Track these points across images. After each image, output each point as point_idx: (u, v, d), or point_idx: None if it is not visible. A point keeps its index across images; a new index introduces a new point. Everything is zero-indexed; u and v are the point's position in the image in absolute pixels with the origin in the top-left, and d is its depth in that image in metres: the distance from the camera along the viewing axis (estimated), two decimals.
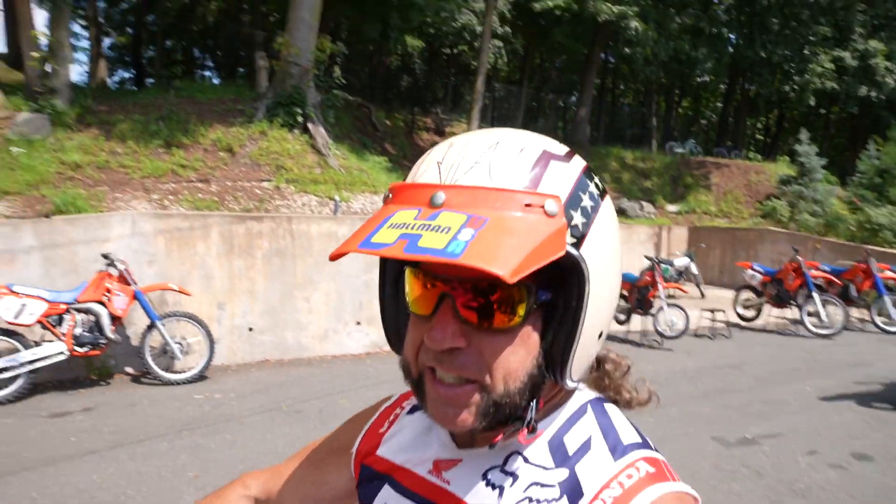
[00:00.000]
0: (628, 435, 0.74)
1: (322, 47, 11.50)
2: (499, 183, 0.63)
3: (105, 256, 6.38)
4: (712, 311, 9.81)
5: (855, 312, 11.06)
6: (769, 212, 17.77)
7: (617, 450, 0.72)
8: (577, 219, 0.66)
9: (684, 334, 9.03)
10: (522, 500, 0.70)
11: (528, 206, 0.63)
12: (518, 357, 0.68)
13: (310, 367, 7.57)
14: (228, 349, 7.41)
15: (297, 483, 0.97)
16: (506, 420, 0.70)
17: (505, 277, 0.54)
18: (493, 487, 0.73)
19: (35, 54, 9.93)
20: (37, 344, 6.05)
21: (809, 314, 10.13)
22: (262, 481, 1.00)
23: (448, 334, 0.66)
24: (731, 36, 23.29)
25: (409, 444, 0.86)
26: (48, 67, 10.08)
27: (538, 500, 0.70)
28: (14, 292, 5.86)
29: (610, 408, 0.78)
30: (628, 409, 0.83)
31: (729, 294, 12.32)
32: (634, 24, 18.78)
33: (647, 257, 9.86)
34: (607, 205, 0.71)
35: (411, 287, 0.72)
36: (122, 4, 26.46)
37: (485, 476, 0.75)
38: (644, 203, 17.20)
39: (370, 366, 7.68)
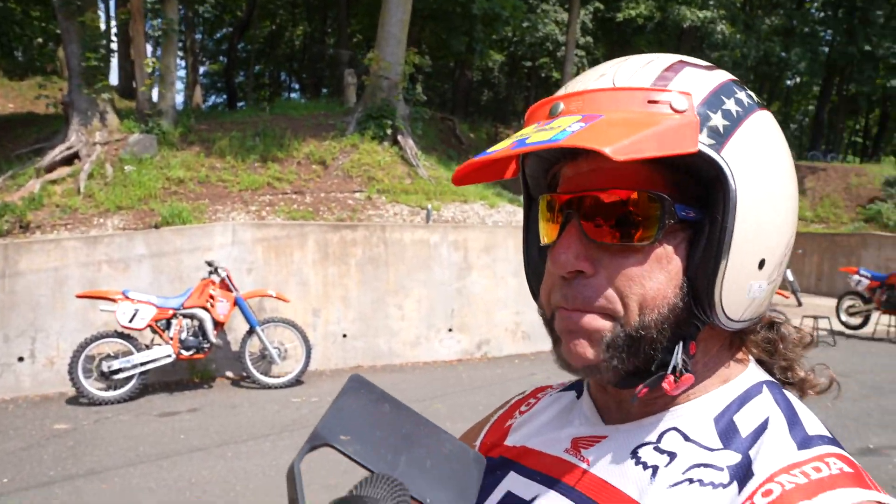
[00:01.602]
0: (816, 427, 0.62)
1: (410, 61, 11.76)
2: (621, 85, 0.60)
3: (209, 264, 6.69)
4: (814, 317, 9.27)
5: None
6: (873, 215, 16.72)
7: (802, 439, 0.60)
8: (717, 120, 0.59)
9: None
10: (681, 482, 0.60)
11: (651, 102, 0.58)
12: (656, 283, 0.60)
13: (402, 373, 7.66)
14: (323, 355, 7.60)
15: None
16: (647, 365, 0.62)
17: (608, 153, 0.49)
18: (645, 467, 0.63)
19: (147, 80, 10.63)
20: (147, 347, 6.40)
21: None
22: None
23: (571, 255, 0.60)
24: (827, 33, 22.17)
25: (545, 425, 0.78)
26: (156, 92, 10.78)
27: (700, 481, 0.59)
28: (129, 298, 6.24)
29: (790, 395, 0.67)
30: (801, 394, 0.71)
31: (828, 302, 11.65)
32: (721, 27, 18.20)
33: None
34: (765, 116, 0.63)
35: (542, 216, 0.68)
36: (216, 34, 28.01)
37: (634, 454, 0.65)
38: None
39: (462, 372, 7.68)
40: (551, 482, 0.70)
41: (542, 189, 0.70)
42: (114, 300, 6.19)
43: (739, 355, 0.69)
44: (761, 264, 0.62)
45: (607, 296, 0.60)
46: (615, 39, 22.35)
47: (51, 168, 9.18)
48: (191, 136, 10.39)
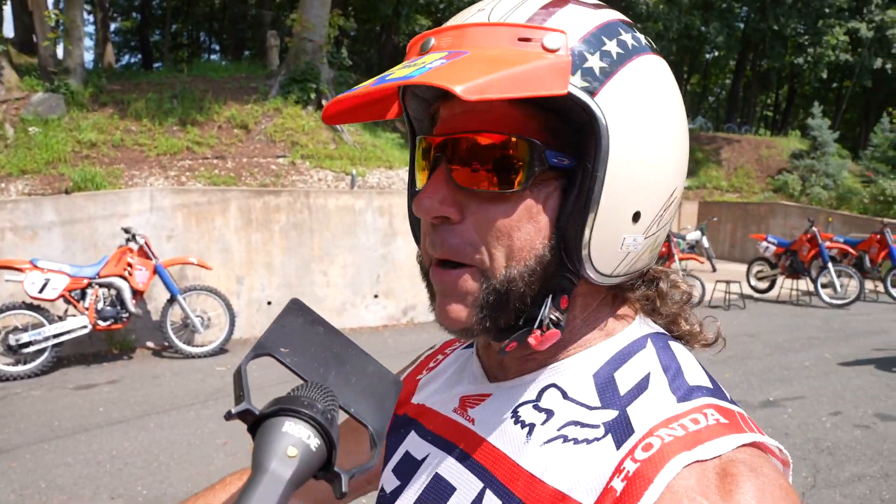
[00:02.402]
0: (697, 377, 0.61)
1: (335, 23, 11.46)
2: (495, 20, 0.55)
3: (126, 231, 6.42)
4: (726, 282, 9.81)
5: (869, 284, 11.05)
6: (780, 186, 17.71)
7: (681, 391, 0.59)
8: (594, 62, 0.54)
9: (699, 305, 9.06)
10: (555, 438, 0.60)
11: (523, 39, 0.54)
12: (524, 234, 0.57)
13: None
14: (247, 322, 7.46)
15: None
16: (517, 317, 0.60)
17: (458, 92, 0.45)
18: (523, 426, 0.62)
19: (50, 35, 9.93)
20: (60, 318, 6.11)
21: (824, 285, 10.12)
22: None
23: (436, 200, 0.57)
24: (743, 10, 23.04)
25: (443, 383, 0.77)
26: (61, 47, 10.09)
27: (574, 439, 0.58)
28: (38, 267, 5.91)
29: (676, 346, 0.66)
30: (689, 347, 0.69)
31: (741, 268, 12.32)
32: None
33: None
34: (652, 61, 0.59)
35: (417, 159, 0.64)
36: None
37: (515, 412, 0.64)
38: None
39: (388, 338, 7.72)
40: (440, 442, 0.70)
41: (424, 130, 0.66)
42: (21, 269, 5.85)
43: (624, 310, 0.67)
44: (636, 217, 0.59)
45: (473, 244, 0.58)
46: None
47: None
48: (103, 97, 9.82)
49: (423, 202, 0.57)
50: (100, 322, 6.22)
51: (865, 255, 10.72)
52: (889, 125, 17.90)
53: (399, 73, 0.52)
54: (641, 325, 0.67)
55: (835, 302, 9.88)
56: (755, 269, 11.33)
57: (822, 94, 30.13)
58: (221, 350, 6.79)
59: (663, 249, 8.06)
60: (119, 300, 6.30)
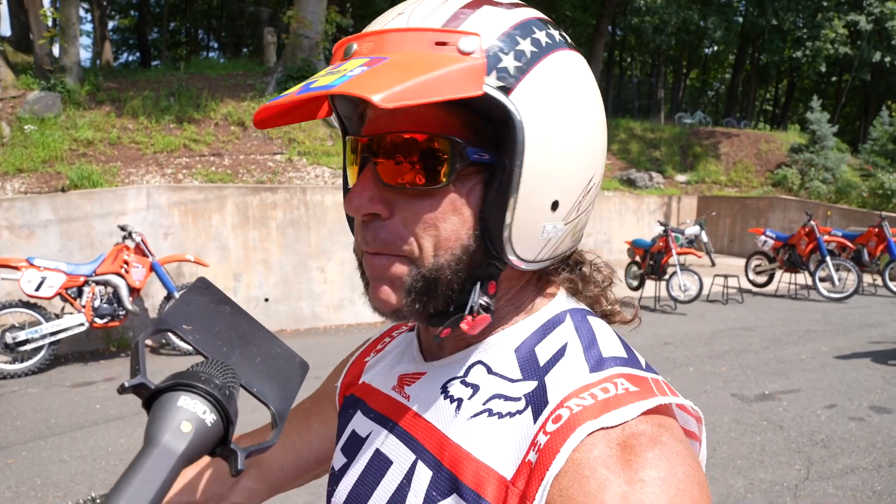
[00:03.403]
0: (612, 349, 0.64)
1: (332, 19, 11.44)
2: (413, 25, 0.57)
3: (122, 228, 6.42)
4: (725, 276, 9.81)
5: (868, 277, 11.04)
6: (779, 180, 17.66)
7: (594, 360, 0.62)
8: (508, 62, 0.57)
9: (697, 299, 9.08)
10: (481, 412, 0.63)
11: (439, 44, 0.56)
12: (450, 225, 0.60)
13: (325, 336, 7.64)
14: None
15: (284, 435, 0.94)
16: (448, 305, 0.63)
17: (376, 102, 0.47)
18: (452, 400, 0.66)
19: (46, 33, 9.92)
20: (57, 316, 6.12)
21: (822, 279, 10.11)
22: (256, 438, 0.95)
23: (365, 198, 0.60)
24: (742, 4, 22.99)
25: (386, 364, 0.81)
26: (57, 46, 10.08)
27: (499, 413, 0.62)
28: (34, 265, 5.92)
29: (595, 320, 0.69)
30: (609, 323, 0.73)
31: (740, 262, 12.31)
32: None
33: (659, 222, 9.86)
34: (565, 57, 0.61)
35: (347, 158, 0.67)
36: None
37: (445, 388, 0.67)
38: (653, 174, 17.11)
39: None
40: (381, 419, 0.74)
41: (354, 129, 0.68)
42: (17, 268, 5.87)
43: (548, 290, 0.70)
44: (554, 206, 0.61)
45: (402, 238, 0.60)
46: (539, 3, 22.48)
47: None
48: (99, 95, 9.82)
49: (352, 201, 0.60)
50: (97, 320, 6.23)
51: (864, 248, 10.70)
52: (888, 119, 17.86)
53: (322, 82, 0.53)
54: (563, 303, 0.70)
55: (833, 295, 9.88)
56: (753, 263, 11.33)
57: (822, 88, 30.07)
58: None
59: (661, 243, 8.00)
60: (116, 298, 6.31)
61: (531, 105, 0.57)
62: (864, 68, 23.28)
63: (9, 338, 5.87)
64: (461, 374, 0.67)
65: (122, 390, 0.49)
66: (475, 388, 0.65)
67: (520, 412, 0.60)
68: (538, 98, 0.58)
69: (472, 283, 0.62)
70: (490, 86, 0.56)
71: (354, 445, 0.75)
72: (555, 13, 23.10)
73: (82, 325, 6.14)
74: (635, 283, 9.83)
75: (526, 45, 0.58)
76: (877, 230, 10.57)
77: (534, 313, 0.68)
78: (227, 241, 7.47)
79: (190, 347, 5.21)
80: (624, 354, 0.64)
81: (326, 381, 0.92)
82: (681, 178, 17.92)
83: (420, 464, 0.65)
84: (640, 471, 0.52)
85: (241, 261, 7.53)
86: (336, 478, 0.75)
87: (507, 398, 0.62)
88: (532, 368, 0.63)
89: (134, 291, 6.39)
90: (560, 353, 0.64)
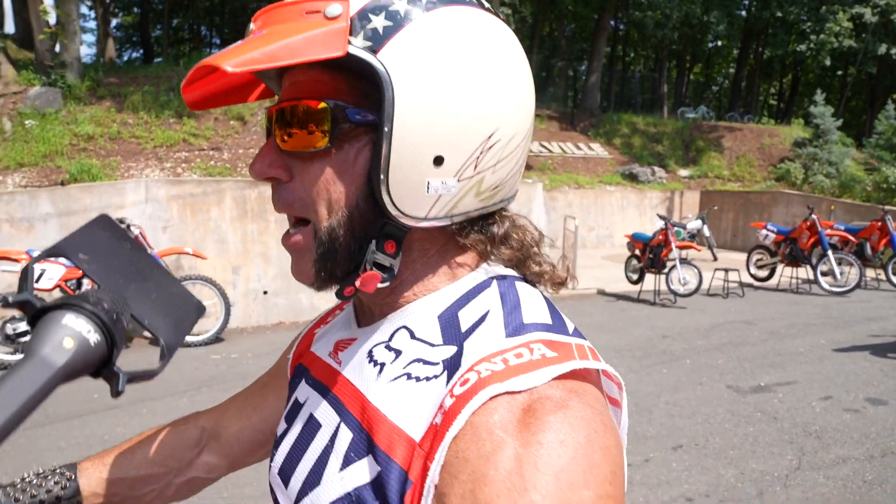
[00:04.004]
0: (535, 315, 0.63)
1: None
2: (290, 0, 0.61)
3: (121, 221, 6.45)
4: (725, 270, 9.78)
5: (870, 272, 10.99)
6: (783, 175, 17.62)
7: (513, 326, 0.62)
8: (378, 22, 0.58)
9: (697, 293, 9.07)
10: (400, 376, 0.63)
11: (309, 12, 0.59)
12: (339, 186, 0.62)
13: None
14: (244, 312, 7.51)
15: (241, 409, 0.95)
16: (349, 264, 0.65)
17: (222, 66, 0.51)
18: (375, 364, 0.67)
19: (46, 29, 9.97)
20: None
21: (823, 273, 10.06)
22: (213, 413, 0.98)
23: (266, 163, 0.64)
24: None
25: (330, 333, 0.82)
26: (57, 43, 10.12)
27: (416, 378, 0.62)
28: (32, 257, 5.96)
29: (522, 286, 0.68)
30: (542, 288, 0.72)
31: (742, 257, 12.27)
32: None
33: (659, 216, 9.84)
34: (451, 12, 0.62)
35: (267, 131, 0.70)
36: None
37: (370, 353, 0.69)
38: (655, 168, 17.08)
39: None
40: (318, 386, 0.75)
41: None
42: (17, 260, 5.91)
43: (469, 256, 0.70)
44: (438, 161, 0.61)
45: (301, 199, 0.64)
46: None
47: None
48: (100, 91, 9.87)
49: (254, 166, 0.64)
50: None
51: (866, 242, 10.66)
52: (894, 112, 17.75)
53: (207, 63, 0.57)
54: (489, 269, 0.70)
55: (835, 289, 9.84)
56: (755, 257, 11.29)
57: (827, 81, 29.90)
58: (217, 339, 6.83)
59: (660, 237, 7.97)
60: None
61: (401, 62, 0.58)
62: (870, 61, 23.14)
63: (9, 329, 5.91)
64: (386, 339, 0.68)
65: (6, 304, 0.49)
66: (398, 352, 0.66)
67: (436, 377, 0.61)
68: (410, 55, 0.59)
69: (367, 241, 0.64)
70: (357, 46, 0.58)
71: (294, 412, 0.76)
72: (556, 8, 23.04)
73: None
74: (635, 277, 9.82)
75: (400, 5, 0.59)
76: (880, 224, 10.53)
77: (459, 279, 0.68)
78: (225, 234, 7.50)
79: (188, 338, 5.18)
80: (548, 321, 0.63)
81: (282, 355, 0.93)
82: (683, 172, 17.88)
83: (343, 426, 0.66)
84: (537, 433, 0.51)
85: (240, 254, 7.56)
86: (276, 444, 0.75)
87: (426, 362, 0.63)
88: (453, 334, 0.63)
89: None
90: (481, 320, 0.63)
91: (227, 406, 0.96)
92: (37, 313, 0.49)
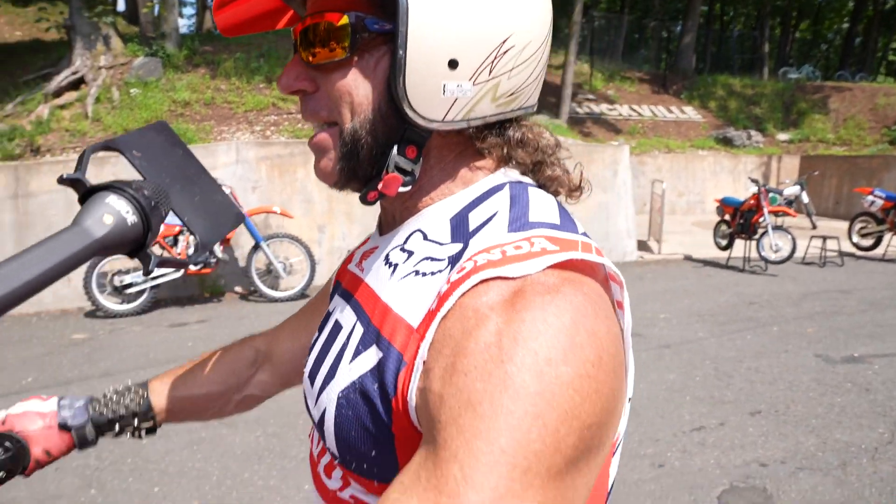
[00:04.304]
0: (542, 214, 0.64)
1: None
2: None
3: None
4: (823, 238, 9.21)
5: None
6: None
7: (517, 223, 0.63)
8: None
9: (790, 260, 8.60)
10: (409, 274, 0.66)
11: None
12: (362, 90, 0.65)
13: None
14: (328, 269, 7.77)
15: (292, 331, 1.01)
16: (374, 171, 0.68)
17: None
18: (390, 265, 0.70)
19: (148, 3, 10.50)
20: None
21: None
22: (267, 335, 1.05)
23: (291, 77, 0.68)
24: None
25: (363, 248, 0.86)
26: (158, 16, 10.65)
27: (424, 273, 0.65)
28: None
29: (535, 191, 0.69)
30: (557, 195, 0.74)
31: (844, 225, 11.50)
32: None
33: (751, 179, 9.35)
34: None
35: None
36: None
37: (386, 257, 0.72)
38: (752, 132, 16.15)
39: None
40: (345, 294, 0.80)
41: None
42: None
43: (484, 162, 0.72)
44: (452, 64, 0.63)
45: (326, 106, 0.67)
46: None
47: (58, 93, 9.23)
48: (196, 59, 10.33)
49: (281, 81, 0.68)
50: (191, 266, 6.67)
51: None
52: None
53: None
54: (503, 175, 0.71)
55: None
56: (858, 225, 10.55)
57: None
58: (302, 295, 7.13)
59: (752, 201, 7.61)
60: None
61: None
62: None
63: (117, 281, 6.42)
64: (402, 242, 0.71)
65: (61, 180, 0.55)
66: (410, 253, 0.69)
67: (440, 271, 0.63)
68: None
69: (389, 146, 0.66)
70: None
71: (324, 321, 0.81)
72: None
73: (178, 271, 6.60)
74: (724, 243, 9.41)
75: None
76: None
77: (473, 184, 0.70)
78: (311, 194, 7.76)
79: (276, 294, 5.42)
80: (556, 221, 0.64)
81: (329, 279, 0.98)
82: (782, 136, 16.83)
83: (358, 324, 0.70)
84: (522, 311, 0.52)
85: (325, 213, 7.81)
86: (309, 351, 0.80)
87: (434, 259, 0.65)
88: (461, 233, 0.66)
89: (224, 241, 6.79)
90: (489, 219, 0.65)
91: (280, 329, 1.03)
92: (86, 192, 0.54)
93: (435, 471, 0.47)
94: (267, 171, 7.60)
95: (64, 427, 0.93)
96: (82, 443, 0.94)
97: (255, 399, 1.04)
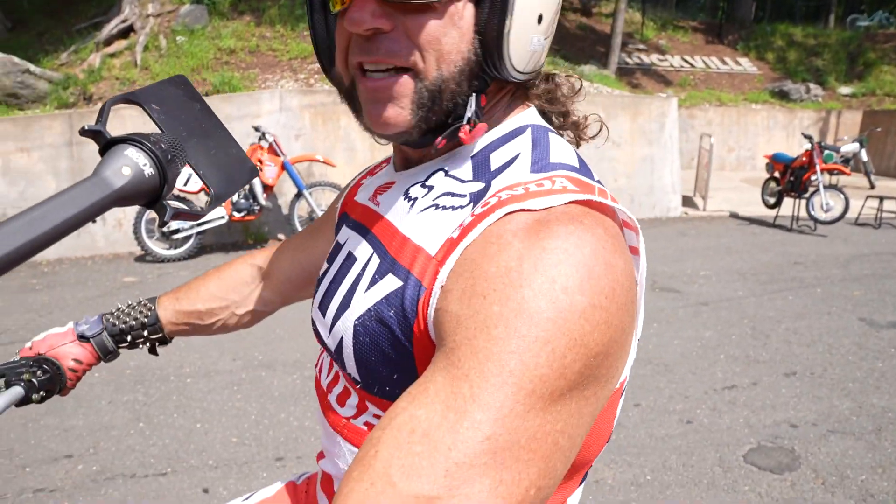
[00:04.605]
0: (562, 157, 0.67)
1: None
2: None
3: (256, 129, 6.90)
4: (880, 198, 8.84)
5: None
6: None
7: (539, 164, 0.65)
8: None
9: (841, 220, 8.30)
10: (429, 207, 0.68)
11: None
12: (451, 38, 0.62)
13: None
14: None
15: (292, 251, 1.06)
16: (447, 118, 0.66)
17: None
18: (409, 200, 0.72)
19: None
20: (203, 209, 6.78)
21: None
22: (266, 253, 1.10)
23: (367, 13, 0.60)
24: None
25: (373, 182, 0.87)
26: None
27: (444, 207, 0.66)
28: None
29: (555, 136, 0.71)
30: (578, 138, 0.79)
31: None
32: None
33: (804, 135, 8.98)
34: None
35: None
36: None
37: (406, 192, 0.73)
38: (811, 85, 15.40)
39: None
40: (357, 226, 0.81)
41: None
42: None
43: (516, 105, 0.74)
44: (539, 19, 0.65)
45: (406, 50, 0.62)
46: None
47: (109, 42, 9.39)
48: (241, 6, 10.33)
49: (354, 15, 0.60)
50: (235, 213, 6.84)
51: None
52: None
53: None
54: (529, 117, 0.73)
55: None
56: None
57: None
58: None
59: (804, 158, 7.32)
60: (251, 194, 6.87)
61: None
62: None
63: (165, 227, 6.64)
64: (423, 178, 0.72)
65: (83, 132, 0.56)
66: (430, 188, 0.70)
67: (462, 207, 0.65)
68: None
69: (468, 94, 0.65)
70: None
71: (334, 252, 0.83)
72: None
73: (223, 217, 6.78)
74: (772, 201, 9.12)
75: None
76: None
77: (498, 125, 0.72)
78: (354, 142, 7.80)
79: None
80: (575, 164, 0.66)
81: (331, 204, 1.02)
82: (844, 90, 16.00)
83: (374, 255, 0.72)
84: (544, 239, 0.54)
85: (368, 161, 7.85)
86: (318, 282, 0.84)
87: (454, 195, 0.67)
88: (483, 172, 0.67)
89: (267, 188, 6.92)
90: (511, 160, 0.67)
91: (281, 248, 1.08)
92: (106, 144, 0.56)
93: (445, 386, 0.49)
94: (310, 118, 7.64)
95: (82, 338, 1.02)
96: (104, 351, 1.03)
97: (259, 314, 1.10)
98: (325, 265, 0.84)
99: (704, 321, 4.86)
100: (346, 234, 0.84)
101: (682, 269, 6.35)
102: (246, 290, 1.08)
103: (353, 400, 0.74)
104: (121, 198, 0.54)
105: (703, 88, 14.86)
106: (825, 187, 8.38)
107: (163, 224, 0.60)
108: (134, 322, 1.04)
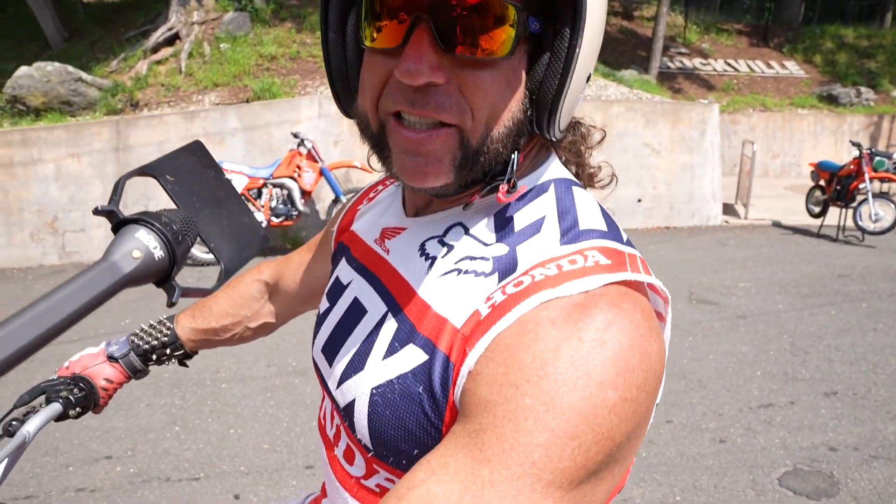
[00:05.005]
0: (590, 221, 0.64)
1: None
2: None
3: (295, 135, 7.01)
4: None
5: None
6: None
7: (569, 234, 0.62)
8: None
9: (891, 231, 8.02)
10: (451, 271, 0.64)
11: None
12: (504, 97, 0.58)
13: None
14: None
15: (295, 268, 1.10)
16: (481, 177, 0.63)
17: None
18: (427, 258, 0.68)
19: None
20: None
21: None
22: (273, 267, 1.14)
23: (424, 65, 0.55)
24: None
25: (374, 214, 0.83)
26: None
27: (465, 272, 0.63)
28: (224, 169, 6.68)
29: (579, 191, 0.68)
30: (590, 187, 0.76)
31: None
32: None
33: (852, 142, 8.69)
34: None
35: (370, 15, 0.59)
36: None
37: (422, 246, 0.69)
38: (862, 89, 14.89)
39: None
40: (362, 269, 0.78)
41: None
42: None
43: (539, 157, 0.72)
44: (588, 79, 0.63)
45: (458, 105, 0.58)
46: None
47: (155, 49, 9.66)
48: (282, 13, 10.51)
49: (410, 67, 0.55)
50: (273, 218, 6.96)
51: None
52: None
53: None
54: (551, 171, 0.70)
55: None
56: None
57: None
58: None
59: (852, 167, 7.10)
60: (290, 199, 6.98)
61: None
62: None
63: None
64: (440, 233, 0.69)
65: (96, 212, 0.58)
66: (450, 247, 0.67)
67: (486, 274, 0.62)
68: None
69: (510, 153, 0.63)
70: None
71: (337, 291, 0.81)
72: None
73: (261, 222, 6.89)
74: (817, 210, 8.85)
75: None
76: None
77: (522, 179, 0.68)
78: None
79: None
80: (603, 228, 0.64)
81: (327, 226, 1.03)
82: None
83: (389, 315, 0.68)
84: (582, 329, 0.52)
85: None
86: (320, 321, 0.82)
87: (476, 259, 0.64)
88: (507, 234, 0.64)
89: (305, 194, 7.02)
90: (538, 224, 0.64)
91: (285, 263, 1.12)
92: (118, 223, 0.57)
93: (465, 465, 0.49)
94: (349, 125, 7.73)
95: (112, 359, 1.08)
96: (132, 370, 1.10)
97: (270, 325, 1.16)
98: (326, 303, 0.82)
99: (742, 335, 4.76)
100: (348, 273, 0.81)
101: (721, 280, 6.23)
102: (256, 306, 1.13)
103: (360, 460, 0.71)
104: (131, 280, 0.56)
105: (746, 93, 14.54)
106: (874, 196, 8.11)
107: (171, 305, 0.60)
108: (156, 342, 1.10)
